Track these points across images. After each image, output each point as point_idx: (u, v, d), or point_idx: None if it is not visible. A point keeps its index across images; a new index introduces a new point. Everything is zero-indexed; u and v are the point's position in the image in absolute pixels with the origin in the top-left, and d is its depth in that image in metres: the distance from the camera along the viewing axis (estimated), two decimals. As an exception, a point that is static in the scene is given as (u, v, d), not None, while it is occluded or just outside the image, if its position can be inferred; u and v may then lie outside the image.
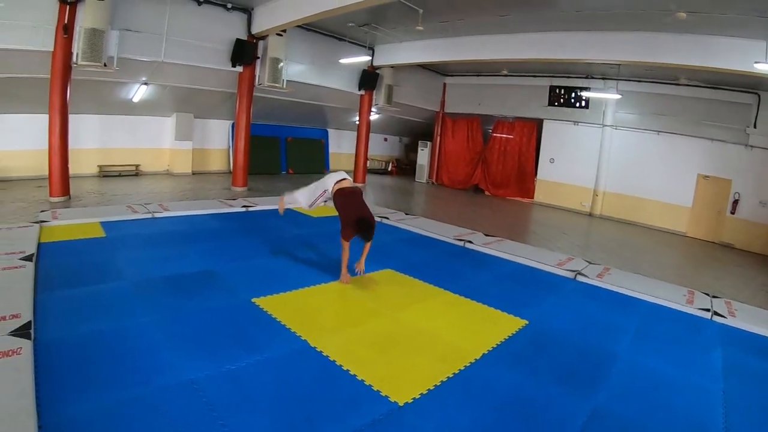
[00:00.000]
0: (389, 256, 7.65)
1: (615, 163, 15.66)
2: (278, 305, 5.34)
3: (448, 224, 10.42)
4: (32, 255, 6.16)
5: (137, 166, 15.24)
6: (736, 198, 13.55)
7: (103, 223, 8.22)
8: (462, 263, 7.77)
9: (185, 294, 5.48)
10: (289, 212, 10.47)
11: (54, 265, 6.10)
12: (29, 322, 4.34)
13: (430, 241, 9.00)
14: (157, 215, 9.06)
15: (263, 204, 10.87)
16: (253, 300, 5.42)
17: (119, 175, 14.71)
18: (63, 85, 10.16)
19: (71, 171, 11.44)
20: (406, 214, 11.29)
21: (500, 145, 18.76)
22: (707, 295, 7.24)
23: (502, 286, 6.80)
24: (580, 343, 5.15)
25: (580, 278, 7.36)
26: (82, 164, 13.85)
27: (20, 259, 5.98)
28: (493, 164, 18.90)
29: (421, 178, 21.22)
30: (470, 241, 8.79)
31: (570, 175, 16.66)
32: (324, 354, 4.36)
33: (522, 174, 18.06)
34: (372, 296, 5.93)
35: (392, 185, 19.22)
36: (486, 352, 4.71)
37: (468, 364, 4.44)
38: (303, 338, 4.61)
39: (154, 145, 15.70)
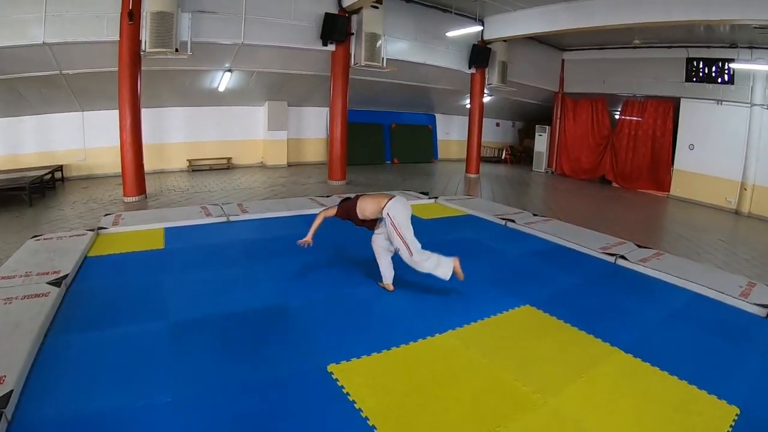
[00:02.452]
0: (524, 281, 5.69)
1: (767, 151, 12.52)
2: (366, 379, 3.56)
3: (586, 229, 8.25)
4: (65, 277, 4.96)
5: (229, 159, 14.40)
6: None
7: (167, 230, 7.02)
8: (619, 292, 5.63)
9: (238, 349, 3.87)
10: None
11: (86, 291, 4.87)
12: (10, 393, 3.03)
13: (572, 256, 6.91)
14: (232, 218, 7.74)
15: None
16: (330, 368, 3.66)
17: (209, 169, 13.83)
18: (132, 75, 9.20)
19: (160, 166, 11.53)
20: (534, 215, 9.19)
21: (630, 129, 15.97)
22: None
23: (683, 334, 4.65)
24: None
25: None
26: (170, 159, 13.39)
27: (49, 282, 4.78)
28: (622, 151, 16.16)
29: (539, 167, 18.85)
30: (622, 256, 6.66)
31: (712, 165, 13.55)
32: None
33: (656, 163, 15.24)
34: (510, 361, 3.95)
35: (508, 176, 17.12)
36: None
37: None
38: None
39: (246, 136, 14.87)
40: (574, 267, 6.41)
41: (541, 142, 18.79)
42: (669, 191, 14.81)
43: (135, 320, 4.21)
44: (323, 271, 5.70)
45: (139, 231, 6.93)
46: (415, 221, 8.12)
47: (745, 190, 12.74)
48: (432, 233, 7.50)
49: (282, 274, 5.54)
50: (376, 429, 3.01)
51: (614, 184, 16.49)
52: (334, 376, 3.55)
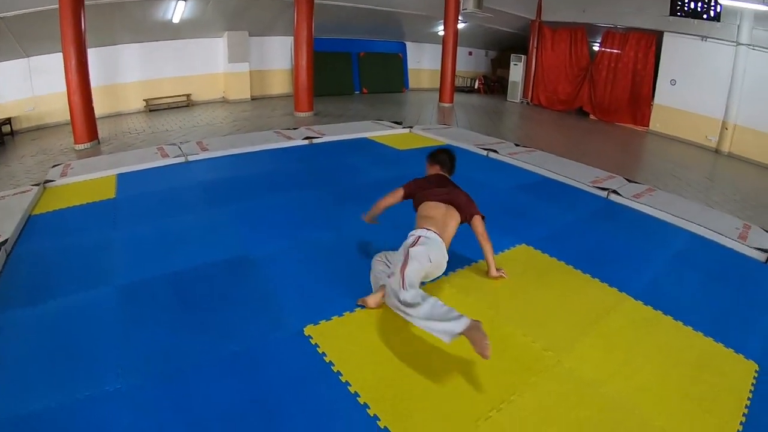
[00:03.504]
0: (517, 217, 5.26)
1: (750, 92, 11.86)
2: (350, 343, 3.10)
3: (573, 161, 7.83)
4: (4, 243, 4.32)
5: (188, 96, 13.47)
6: None
7: (119, 177, 6.35)
8: (617, 231, 5.26)
9: (199, 315, 3.33)
10: (367, 144, 8.24)
11: (27, 257, 4.25)
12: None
13: (562, 189, 6.50)
14: (191, 158, 7.09)
15: (331, 134, 8.63)
16: (308, 331, 3.19)
17: (168, 108, 12.94)
18: (74, 11, 8.21)
19: (115, 109, 10.96)
20: (517, 145, 8.69)
21: (610, 62, 15.30)
22: None
23: (689, 280, 4.32)
24: None
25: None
26: (126, 100, 12.49)
27: (-14, 251, 4.18)
28: (601, 84, 15.55)
29: (514, 98, 18.21)
30: (615, 191, 6.29)
31: (694, 102, 12.98)
32: None
33: (636, 97, 14.69)
34: (515, 311, 3.54)
35: (483, 105, 16.56)
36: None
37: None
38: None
39: (206, 70, 13.91)
40: (566, 202, 6.02)
41: (516, 72, 18.04)
42: (648, 126, 14.40)
43: (79, 288, 3.63)
44: (290, 214, 5.16)
45: (89, 180, 6.26)
46: (390, 152, 7.76)
47: (726, 129, 12.31)
48: (409, 165, 7.02)
49: (244, 220, 4.98)
50: (369, 407, 2.58)
51: (591, 117, 16.00)
52: (312, 341, 3.09)
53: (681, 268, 4.50)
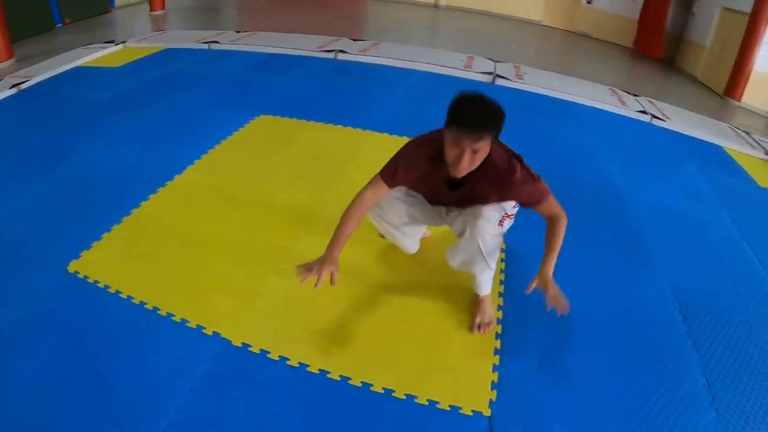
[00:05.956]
0: (249, 95, 5.00)
1: None
2: (124, 259, 2.66)
3: (296, 34, 7.69)
4: None
5: None
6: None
7: None
8: (352, 84, 5.39)
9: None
10: (79, 73, 7.13)
11: None
12: None
13: (291, 61, 6.35)
14: None
15: (40, 73, 7.20)
16: (72, 267, 2.60)
17: None
18: None
19: None
20: (237, 32, 8.26)
21: None
22: (629, 94, 6.21)
23: (426, 107, 4.35)
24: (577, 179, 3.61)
25: (500, 82, 5.68)
26: None
27: None
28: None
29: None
30: (342, 50, 6.39)
31: None
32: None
33: None
34: (273, 174, 3.41)
35: (199, 5, 14.83)
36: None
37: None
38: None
39: None
40: (296, 70, 5.98)
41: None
42: (366, -8, 14.73)
43: None
44: (14, 160, 4.14)
45: None
46: (105, 73, 6.82)
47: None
48: (128, 78, 6.25)
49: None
50: (174, 315, 2.29)
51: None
52: (80, 275, 2.54)
53: (416, 99, 4.82)
